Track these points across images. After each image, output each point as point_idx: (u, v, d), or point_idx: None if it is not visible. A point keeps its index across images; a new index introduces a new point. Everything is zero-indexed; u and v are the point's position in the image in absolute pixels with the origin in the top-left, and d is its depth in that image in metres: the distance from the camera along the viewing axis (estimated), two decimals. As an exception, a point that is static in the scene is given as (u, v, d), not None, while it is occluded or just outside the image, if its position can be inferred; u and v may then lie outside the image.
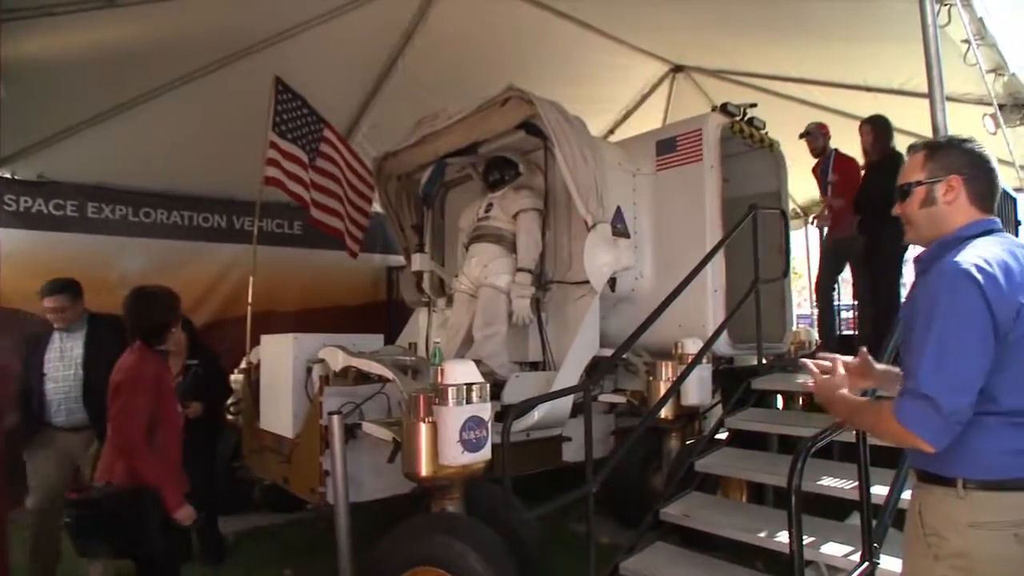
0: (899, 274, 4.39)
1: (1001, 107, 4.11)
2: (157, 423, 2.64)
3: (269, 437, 4.02)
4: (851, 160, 4.95)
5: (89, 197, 5.96)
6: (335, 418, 3.16)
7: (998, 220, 1.62)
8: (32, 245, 5.60)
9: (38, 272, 5.45)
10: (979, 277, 1.44)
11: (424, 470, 2.70)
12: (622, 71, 6.38)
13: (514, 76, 4.46)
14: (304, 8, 4.96)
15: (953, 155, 1.63)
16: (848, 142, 5.16)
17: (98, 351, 3.38)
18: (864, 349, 1.76)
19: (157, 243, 6.24)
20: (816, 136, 5.08)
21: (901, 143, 4.85)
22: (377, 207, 6.32)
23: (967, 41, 3.49)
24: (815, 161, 5.30)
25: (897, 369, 1.85)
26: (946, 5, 3.21)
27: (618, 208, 4.48)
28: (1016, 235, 4.11)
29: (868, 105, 5.52)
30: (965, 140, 1.66)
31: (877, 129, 4.61)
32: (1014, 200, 4.66)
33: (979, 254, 1.48)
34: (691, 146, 4.61)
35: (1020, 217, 4.60)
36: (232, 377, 4.66)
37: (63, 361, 3.54)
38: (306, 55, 5.31)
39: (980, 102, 4.29)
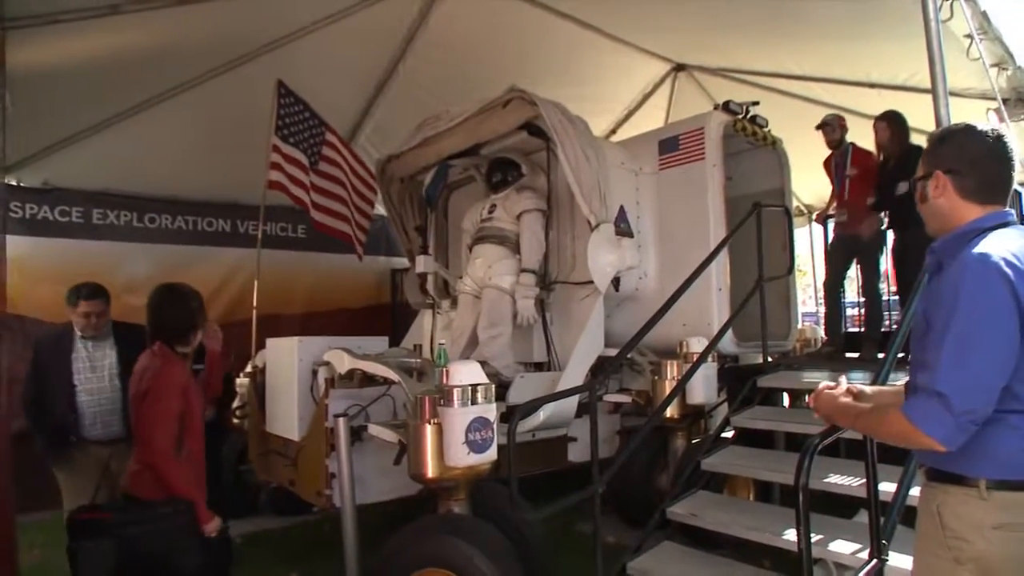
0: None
1: (1005, 101, 4.07)
2: (183, 431, 2.60)
3: (275, 440, 4.03)
4: (870, 155, 4.91)
5: (94, 203, 6.00)
6: (341, 420, 3.17)
7: (1012, 212, 1.56)
8: (38, 252, 5.63)
9: (44, 279, 5.53)
10: (1009, 272, 1.38)
11: (430, 471, 2.70)
12: (624, 71, 6.37)
13: (516, 77, 4.47)
14: (306, 12, 4.97)
15: (944, 149, 1.59)
16: (853, 138, 5.14)
17: (132, 361, 3.16)
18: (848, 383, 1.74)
19: (162, 248, 6.26)
20: (834, 127, 5.02)
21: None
22: (380, 209, 6.34)
23: (970, 36, 3.47)
24: (821, 158, 5.28)
25: (890, 387, 1.83)
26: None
27: (621, 208, 4.48)
28: None
29: (872, 102, 5.50)
30: (963, 130, 1.59)
31: (894, 125, 4.58)
32: (1019, 195, 4.64)
33: (1006, 247, 1.42)
34: (694, 145, 4.60)
35: (1025, 212, 4.58)
36: (237, 381, 4.67)
37: (95, 372, 3.38)
38: (309, 59, 5.32)
39: (984, 97, 4.26)
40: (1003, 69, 3.97)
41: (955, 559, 1.46)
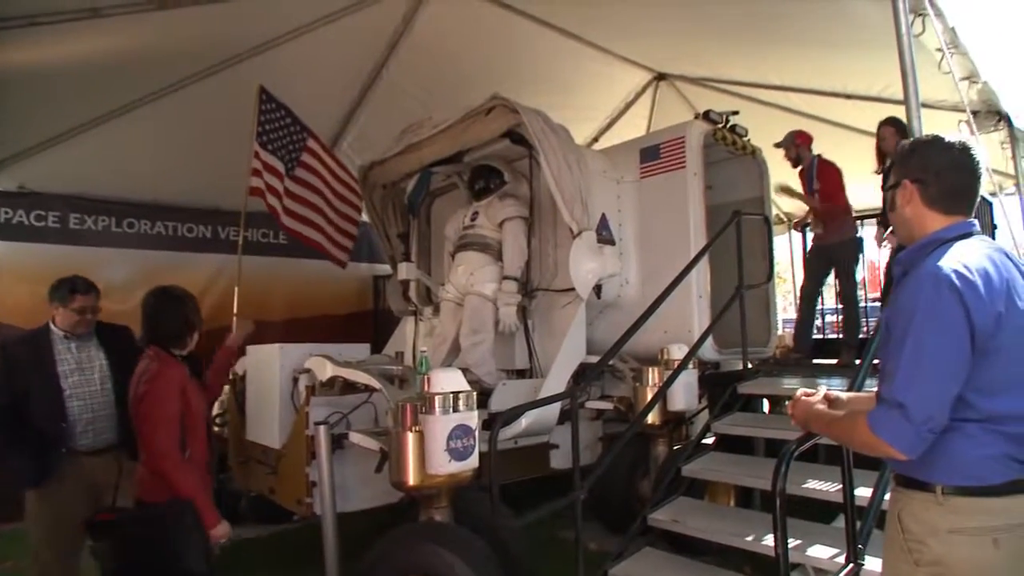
0: None
1: (975, 114, 4.18)
2: (185, 433, 2.56)
3: (255, 448, 4.00)
4: (831, 168, 4.98)
5: (71, 208, 5.89)
6: (322, 428, 3.15)
7: (975, 223, 1.60)
8: (13, 256, 5.52)
9: (19, 284, 5.44)
10: (959, 284, 1.42)
11: (411, 479, 2.69)
12: (606, 79, 6.44)
13: (499, 85, 4.48)
14: (289, 18, 4.96)
15: (911, 158, 1.63)
16: (831, 148, 5.23)
17: (122, 361, 3.00)
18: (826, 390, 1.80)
19: (141, 253, 6.17)
20: (789, 147, 5.10)
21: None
22: (364, 216, 6.32)
23: (941, 50, 3.57)
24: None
25: (865, 394, 1.88)
26: (920, 15, 3.28)
27: (603, 215, 4.52)
28: (992, 239, 4.18)
29: (848, 112, 5.62)
30: (930, 141, 1.63)
31: (903, 131, 4.60)
32: (990, 204, 4.76)
33: (960, 260, 1.46)
34: (674, 153, 4.64)
35: (996, 221, 4.69)
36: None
37: (84, 375, 3.06)
38: (291, 65, 5.30)
39: (955, 109, 4.37)
40: (973, 83, 4.07)
41: (915, 562, 1.50)
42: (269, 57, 5.18)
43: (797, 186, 5.18)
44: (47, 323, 3.13)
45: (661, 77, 6.56)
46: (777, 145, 5.15)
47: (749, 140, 5.02)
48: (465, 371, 3.40)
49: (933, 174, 1.58)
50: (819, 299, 5.37)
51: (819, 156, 5.06)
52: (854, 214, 5.20)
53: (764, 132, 5.21)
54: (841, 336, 5.25)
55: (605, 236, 4.46)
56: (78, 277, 3.13)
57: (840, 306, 5.27)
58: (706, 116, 4.74)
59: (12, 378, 3.02)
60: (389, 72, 5.85)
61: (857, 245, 5.02)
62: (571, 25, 5.53)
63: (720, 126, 4.76)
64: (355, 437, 3.21)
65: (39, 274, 5.52)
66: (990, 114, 4.41)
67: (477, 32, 5.48)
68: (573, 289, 4.11)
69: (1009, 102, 4.45)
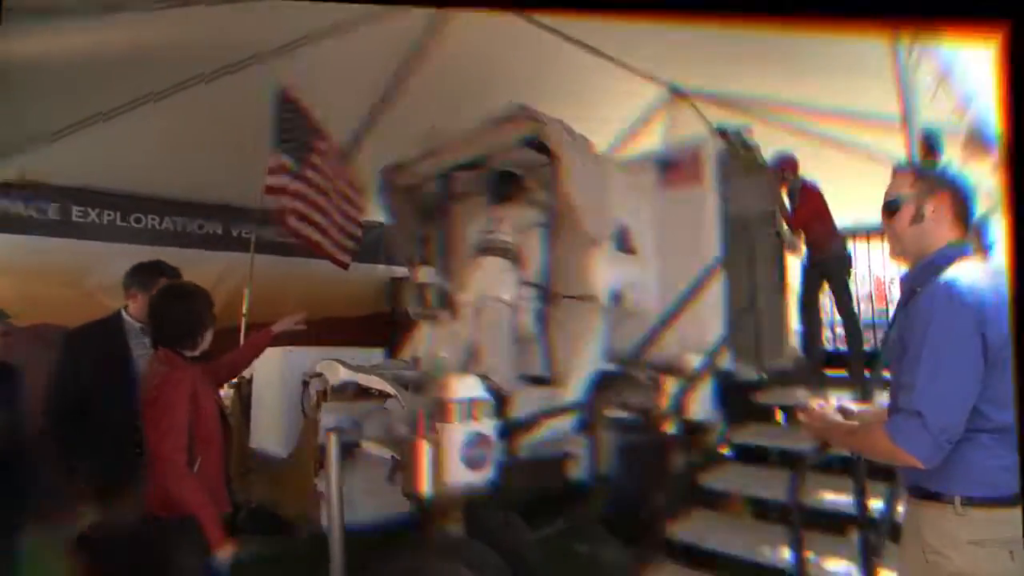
0: None
1: (970, 139, 4.24)
2: (195, 442, 2.39)
3: (259, 456, 3.91)
4: (812, 192, 5.15)
5: (74, 200, 5.77)
6: (333, 436, 3.04)
7: (971, 245, 1.71)
8: (12, 249, 5.44)
9: (16, 277, 5.36)
10: (973, 300, 1.52)
11: (425, 489, 2.63)
12: (622, 94, 6.44)
13: (517, 96, 4.49)
14: (310, 21, 4.93)
15: (946, 176, 1.74)
16: (841, 167, 5.29)
17: None
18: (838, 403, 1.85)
19: (147, 250, 5.99)
20: (776, 172, 5.26)
21: (881, 170, 4.96)
22: (379, 217, 6.27)
23: (936, 78, 3.63)
24: None
25: (875, 407, 1.96)
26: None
27: (622, 225, 4.52)
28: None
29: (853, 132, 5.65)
30: (950, 165, 1.75)
31: (931, 148, 4.56)
32: (987, 223, 4.80)
33: (971, 276, 1.56)
34: (691, 166, 4.68)
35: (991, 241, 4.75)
36: (222, 392, 4.54)
37: None
38: (312, 66, 5.24)
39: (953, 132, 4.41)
40: (966, 110, 4.14)
41: (935, 574, 1.54)
42: (289, 59, 5.14)
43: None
44: (118, 311, 2.87)
45: (677, 92, 6.57)
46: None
47: (762, 155, 5.05)
48: (482, 378, 3.35)
49: (967, 192, 1.69)
50: (817, 309, 5.45)
51: (803, 180, 5.22)
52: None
53: (776, 148, 5.25)
54: (848, 349, 5.30)
55: (623, 245, 4.47)
56: (160, 262, 2.97)
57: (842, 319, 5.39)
58: (721, 131, 4.78)
59: (78, 374, 2.79)
60: (411, 77, 5.82)
61: (847, 261, 5.26)
62: (590, 40, 5.53)
63: (734, 141, 4.81)
64: (367, 445, 3.14)
65: (40, 268, 5.48)
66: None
67: (498, 44, 5.46)
68: (592, 297, 4.11)
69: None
